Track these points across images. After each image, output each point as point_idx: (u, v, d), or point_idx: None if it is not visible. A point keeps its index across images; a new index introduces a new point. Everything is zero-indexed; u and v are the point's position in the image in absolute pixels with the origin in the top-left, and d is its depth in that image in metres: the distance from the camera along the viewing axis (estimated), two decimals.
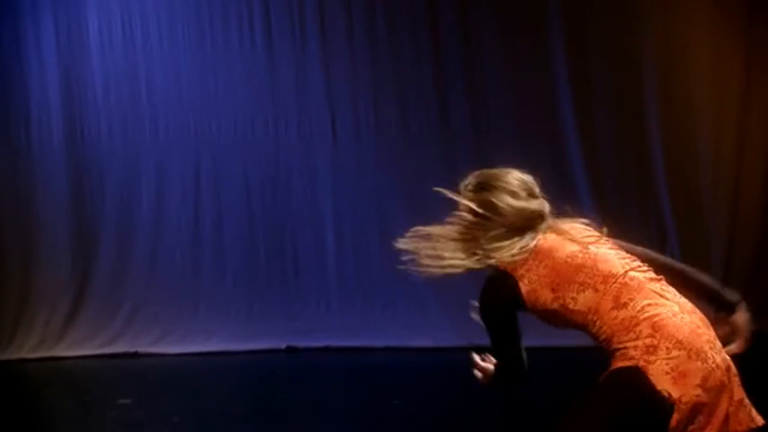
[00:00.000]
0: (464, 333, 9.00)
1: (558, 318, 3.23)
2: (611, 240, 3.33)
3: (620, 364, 3.06)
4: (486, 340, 9.24)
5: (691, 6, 9.22)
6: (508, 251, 3.34)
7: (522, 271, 3.27)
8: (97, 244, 9.58)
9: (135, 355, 9.30)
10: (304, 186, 9.59)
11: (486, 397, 7.13)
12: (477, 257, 3.50)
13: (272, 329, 9.29)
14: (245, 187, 9.60)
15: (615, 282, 3.15)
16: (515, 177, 3.51)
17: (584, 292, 3.17)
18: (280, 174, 9.60)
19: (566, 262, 3.22)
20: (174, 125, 9.60)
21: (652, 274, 3.21)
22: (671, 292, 3.17)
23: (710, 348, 3.06)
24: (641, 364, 3.01)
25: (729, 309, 3.26)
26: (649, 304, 3.10)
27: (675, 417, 2.98)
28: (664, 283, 3.20)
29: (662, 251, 8.19)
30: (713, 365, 3.03)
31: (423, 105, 9.46)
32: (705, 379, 3.01)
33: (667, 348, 3.02)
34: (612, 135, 9.17)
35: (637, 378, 3.00)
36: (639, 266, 3.22)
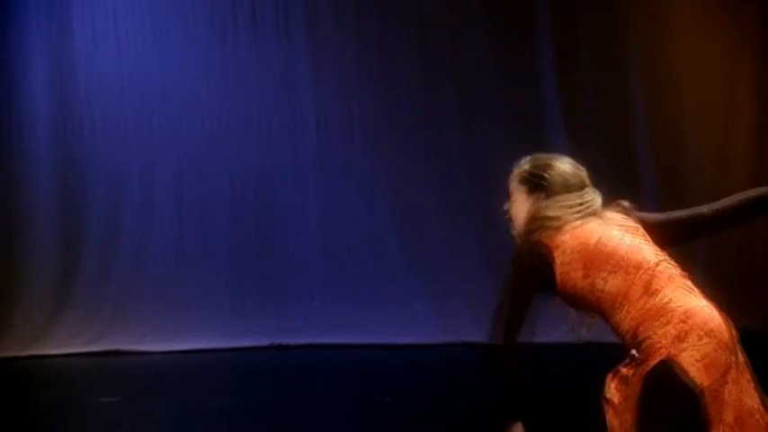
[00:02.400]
0: (451, 330, 9.03)
1: (583, 299, 3.24)
2: (645, 233, 3.34)
3: (652, 361, 3.06)
4: (473, 337, 9.25)
5: (676, 7, 9.25)
6: (568, 210, 3.31)
7: (557, 243, 3.26)
8: (82, 242, 9.55)
9: (120, 353, 9.26)
10: (290, 183, 9.57)
11: (473, 394, 7.14)
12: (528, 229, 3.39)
13: (258, 327, 9.27)
14: (230, 184, 9.57)
15: (647, 270, 3.18)
16: (568, 162, 3.46)
17: (615, 275, 3.19)
18: (265, 170, 9.58)
19: (600, 244, 3.23)
20: (159, 122, 9.57)
21: (681, 271, 3.25)
22: (696, 290, 3.21)
23: (735, 345, 3.12)
24: (671, 353, 3.04)
25: None
26: (679, 296, 3.14)
27: (704, 404, 3.02)
28: (689, 281, 3.24)
29: None
30: (737, 362, 3.10)
31: (409, 101, 9.46)
32: (727, 373, 3.07)
33: (698, 336, 3.06)
34: (600, 134, 9.18)
35: (672, 375, 3.03)
36: (670, 261, 3.26)
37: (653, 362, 3.06)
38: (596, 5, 9.24)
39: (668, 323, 3.08)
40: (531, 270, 3.28)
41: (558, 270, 3.24)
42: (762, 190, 3.35)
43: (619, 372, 3.17)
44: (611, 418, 3.15)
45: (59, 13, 9.47)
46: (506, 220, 3.54)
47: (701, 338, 3.06)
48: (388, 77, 9.46)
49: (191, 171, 9.59)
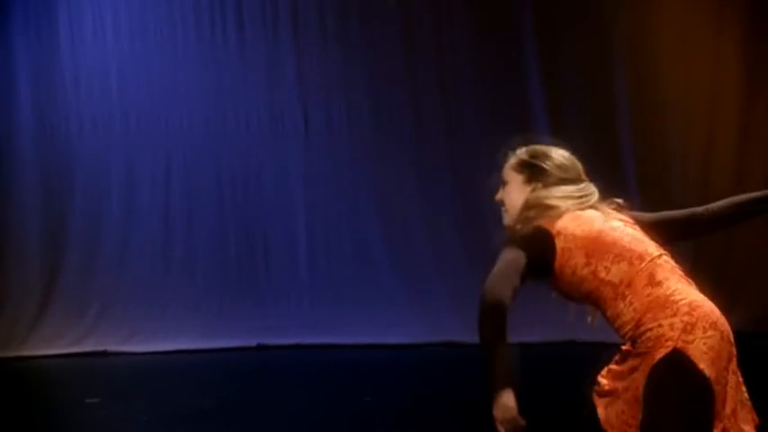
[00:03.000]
0: (435, 330, 9.03)
1: (581, 287, 3.22)
2: (641, 227, 3.35)
3: (658, 353, 3.05)
4: (457, 337, 9.23)
5: (660, 7, 9.28)
6: (567, 200, 3.28)
7: (558, 229, 3.22)
8: (66, 242, 9.51)
9: (104, 353, 9.23)
10: (275, 182, 9.56)
11: (458, 393, 7.14)
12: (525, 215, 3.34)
13: (242, 327, 9.26)
14: (215, 183, 9.55)
15: (650, 261, 3.18)
16: (565, 152, 3.46)
17: (618, 263, 3.17)
18: (251, 170, 9.57)
19: (602, 232, 3.22)
20: (144, 121, 9.54)
21: (677, 265, 3.26)
22: (693, 284, 3.23)
23: (731, 337, 3.15)
24: (679, 345, 3.04)
25: None
26: (682, 288, 3.15)
27: (711, 396, 3.04)
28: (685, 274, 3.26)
29: None
30: (734, 354, 3.13)
31: (394, 100, 9.46)
32: (728, 365, 3.10)
33: (704, 328, 3.08)
34: (584, 134, 9.18)
35: (682, 366, 3.03)
36: (669, 255, 3.26)
37: (660, 353, 3.05)
38: (580, 5, 9.25)
39: (675, 314, 3.08)
40: (529, 248, 3.20)
41: (559, 254, 3.21)
42: (756, 194, 3.37)
43: (612, 367, 3.17)
44: (603, 408, 3.14)
45: (44, 13, 9.44)
46: (499, 207, 3.48)
47: (706, 331, 3.07)
48: (373, 78, 9.46)
49: (176, 171, 9.56)
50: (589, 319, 3.38)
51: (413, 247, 9.42)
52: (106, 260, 9.51)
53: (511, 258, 3.20)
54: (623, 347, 3.19)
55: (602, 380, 3.19)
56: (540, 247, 3.22)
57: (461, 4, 9.38)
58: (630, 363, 3.12)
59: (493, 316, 3.23)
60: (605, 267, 3.18)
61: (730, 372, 3.09)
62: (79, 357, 9.15)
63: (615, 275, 3.17)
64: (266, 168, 9.57)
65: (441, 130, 9.45)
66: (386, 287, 9.29)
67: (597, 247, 3.19)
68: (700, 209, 3.45)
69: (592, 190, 3.35)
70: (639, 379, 3.07)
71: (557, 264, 3.21)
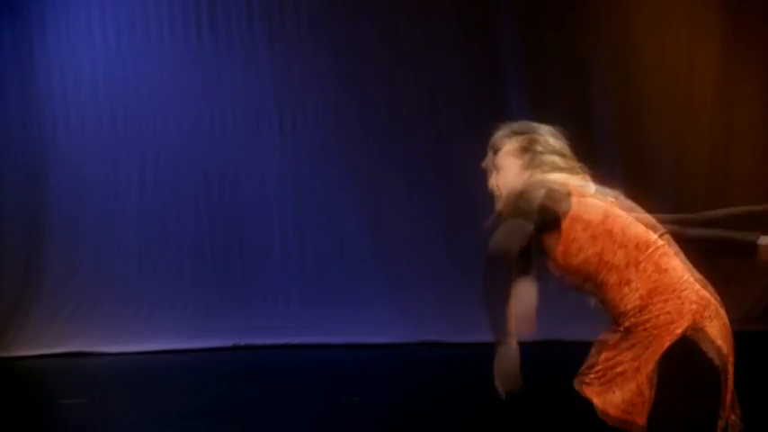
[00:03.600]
0: (418, 329, 9.02)
1: (584, 269, 3.16)
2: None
3: (667, 340, 3.04)
4: (441, 337, 9.19)
5: (640, 6, 9.31)
6: (565, 183, 3.20)
7: (570, 205, 3.15)
8: (46, 242, 9.48)
9: (84, 354, 9.19)
10: (254, 182, 9.54)
11: (442, 392, 7.13)
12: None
13: (224, 327, 9.24)
14: (193, 183, 9.53)
15: (656, 248, 3.15)
16: (558, 140, 3.40)
17: (625, 248, 3.14)
18: (231, 170, 9.54)
19: (609, 218, 3.17)
20: (120, 122, 9.52)
21: (679, 249, 3.23)
22: (694, 269, 3.21)
23: (730, 327, 3.16)
24: (689, 333, 3.04)
25: (751, 251, 3.30)
26: (686, 274, 3.14)
27: (720, 380, 3.06)
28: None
29: None
30: (733, 344, 3.14)
31: (374, 101, 9.45)
32: (729, 355, 3.11)
33: (710, 317, 3.09)
34: (565, 134, 9.20)
35: (693, 354, 3.04)
36: (669, 239, 3.23)
37: (669, 340, 3.04)
38: (561, 5, 9.26)
39: (682, 302, 3.08)
40: (540, 210, 3.10)
41: (575, 209, 3.13)
42: (751, 208, 3.42)
43: (607, 355, 3.12)
44: (597, 396, 3.10)
45: (28, 13, 9.39)
46: (492, 191, 3.37)
47: (712, 320, 3.09)
48: (349, 77, 9.45)
49: (153, 172, 9.54)
50: (591, 302, 3.29)
51: (395, 247, 9.41)
52: (86, 260, 9.47)
53: (516, 224, 3.09)
54: (615, 334, 3.14)
55: (593, 370, 3.14)
56: (559, 199, 3.13)
57: (441, 3, 9.37)
58: (635, 351, 3.08)
59: (497, 267, 3.06)
60: (612, 251, 3.14)
61: (729, 362, 3.10)
62: (59, 358, 9.10)
63: (621, 260, 3.13)
64: (245, 167, 9.54)
65: (420, 129, 9.44)
66: (368, 287, 9.28)
67: (604, 230, 3.15)
68: (692, 215, 3.48)
69: (587, 177, 3.30)
70: (648, 365, 3.05)
71: (563, 236, 3.13)
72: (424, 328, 8.91)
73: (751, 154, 9.24)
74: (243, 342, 9.22)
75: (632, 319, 3.09)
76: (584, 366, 3.20)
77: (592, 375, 3.14)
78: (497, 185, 3.34)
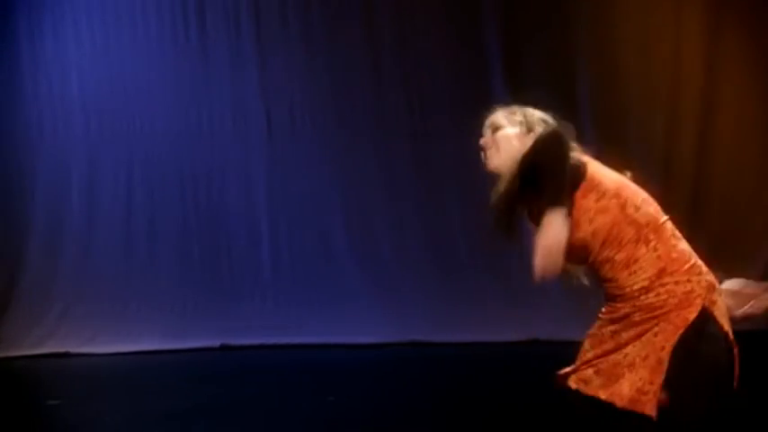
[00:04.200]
0: (401, 329, 9.03)
1: (600, 220, 3.02)
2: None
3: (689, 312, 2.96)
4: (423, 336, 9.21)
5: (621, 6, 9.34)
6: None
7: (590, 166, 3.10)
8: (28, 243, 9.45)
9: (66, 355, 9.16)
10: (239, 183, 9.53)
11: (424, 392, 7.14)
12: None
13: (206, 327, 9.22)
14: (178, 183, 9.51)
15: (664, 228, 3.08)
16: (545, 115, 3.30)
17: (648, 206, 3.07)
18: (214, 170, 9.53)
19: (622, 188, 3.10)
20: (106, 121, 9.50)
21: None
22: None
23: None
24: (707, 304, 2.98)
25: None
26: (693, 256, 3.08)
27: (732, 356, 3.01)
28: None
29: None
30: None
31: (358, 101, 9.45)
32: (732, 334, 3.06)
33: (719, 292, 3.05)
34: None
35: (714, 327, 2.97)
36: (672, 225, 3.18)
37: (691, 312, 2.95)
38: (545, 6, 9.28)
39: (699, 272, 3.02)
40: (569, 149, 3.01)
41: (579, 193, 3.03)
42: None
43: (605, 347, 3.03)
44: (604, 390, 3.00)
45: (14, 11, 9.37)
46: (492, 170, 3.24)
47: (720, 294, 3.05)
48: (336, 78, 9.45)
49: (138, 172, 9.53)
50: (584, 281, 3.20)
51: (378, 247, 9.42)
52: (68, 261, 9.45)
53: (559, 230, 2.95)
54: (611, 326, 3.03)
55: (591, 365, 3.06)
56: (575, 165, 3.04)
57: (426, 3, 9.38)
58: (643, 339, 2.97)
59: (558, 137, 3.02)
60: (635, 205, 3.06)
61: (735, 347, 3.06)
62: (41, 359, 9.07)
63: (643, 216, 3.04)
64: (230, 168, 9.53)
65: (405, 130, 9.44)
66: (351, 287, 9.28)
67: (618, 204, 3.06)
68: None
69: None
70: (659, 351, 2.96)
71: (576, 204, 3.02)
72: (407, 327, 8.92)
73: (738, 143, 9.22)
74: (224, 342, 9.21)
75: (636, 302, 3.00)
76: (578, 363, 3.10)
77: (590, 371, 3.05)
78: (497, 165, 3.22)
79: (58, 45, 9.44)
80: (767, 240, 9.09)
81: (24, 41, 9.41)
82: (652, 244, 3.03)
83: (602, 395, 3.00)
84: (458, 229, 9.27)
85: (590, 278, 3.19)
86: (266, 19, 9.47)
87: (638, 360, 2.98)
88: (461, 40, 9.34)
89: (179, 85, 9.49)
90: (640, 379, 2.97)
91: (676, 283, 2.99)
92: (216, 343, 9.21)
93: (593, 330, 3.12)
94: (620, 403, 2.98)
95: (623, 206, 3.05)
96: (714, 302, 3.00)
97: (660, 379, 2.96)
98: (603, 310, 3.12)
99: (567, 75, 9.24)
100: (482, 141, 3.28)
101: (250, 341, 9.15)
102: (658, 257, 3.01)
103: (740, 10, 9.17)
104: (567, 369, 3.13)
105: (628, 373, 2.98)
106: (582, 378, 3.07)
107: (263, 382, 7.98)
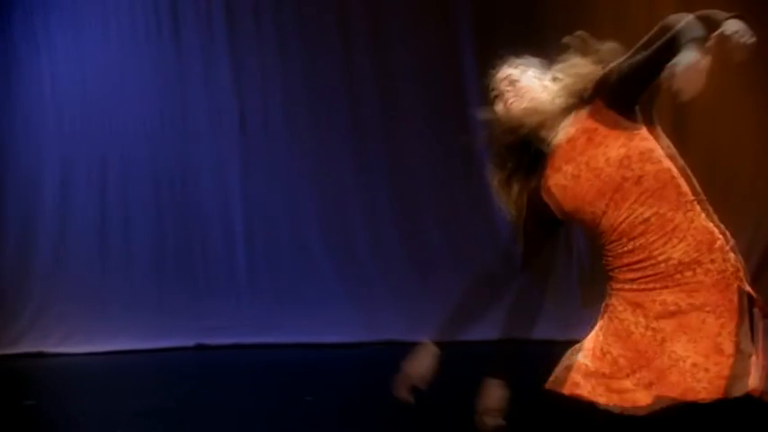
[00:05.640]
0: (376, 329, 9.05)
1: (648, 162, 2.83)
2: None
3: (730, 307, 2.75)
4: (398, 336, 9.15)
5: (596, 3, 9.38)
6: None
7: None
8: (3, 242, 9.41)
9: (40, 354, 9.13)
10: (213, 182, 9.52)
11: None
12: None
13: (181, 327, 9.21)
14: (152, 182, 9.50)
15: (699, 201, 2.91)
16: None
17: (678, 190, 2.85)
18: (188, 168, 9.52)
19: (670, 152, 2.93)
20: (79, 119, 9.47)
21: None
22: None
23: None
24: (744, 296, 2.81)
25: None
26: (723, 234, 2.92)
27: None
28: None
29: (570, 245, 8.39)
30: None
31: (332, 100, 9.47)
32: None
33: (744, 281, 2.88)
34: None
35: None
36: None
37: (732, 303, 2.77)
38: (518, 6, 9.31)
39: (728, 261, 2.84)
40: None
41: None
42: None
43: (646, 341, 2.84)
44: (644, 393, 2.82)
45: None
46: (506, 113, 3.25)
47: (747, 284, 2.90)
48: (309, 76, 9.46)
49: (112, 171, 9.50)
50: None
51: (353, 246, 9.43)
52: (41, 260, 9.41)
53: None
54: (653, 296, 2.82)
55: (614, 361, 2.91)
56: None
57: (400, 3, 9.40)
58: (700, 297, 2.77)
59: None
60: (682, 165, 2.88)
61: None
62: (15, 359, 9.04)
63: (673, 202, 2.82)
64: (204, 167, 9.53)
65: (379, 128, 9.46)
66: (326, 286, 9.29)
67: (665, 167, 2.88)
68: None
69: None
70: (720, 319, 2.76)
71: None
72: (381, 327, 8.94)
73: (727, 132, 9.25)
74: (199, 342, 9.21)
75: (687, 248, 2.78)
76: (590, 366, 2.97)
77: (614, 374, 2.90)
78: (521, 105, 3.20)
79: (30, 45, 9.40)
80: (763, 227, 9.13)
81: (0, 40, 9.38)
82: (698, 208, 2.88)
83: (641, 399, 2.83)
84: (433, 228, 9.30)
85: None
86: (240, 19, 9.47)
87: (676, 352, 2.82)
88: (435, 41, 9.37)
89: (153, 85, 9.47)
90: (695, 365, 2.78)
91: (712, 261, 2.82)
92: (191, 342, 9.21)
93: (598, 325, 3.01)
94: (670, 394, 2.78)
95: (675, 157, 2.93)
96: (745, 283, 2.88)
97: (725, 358, 2.75)
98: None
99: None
100: (495, 85, 3.31)
101: (225, 341, 9.15)
102: (696, 230, 2.84)
103: (708, 5, 9.21)
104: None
105: (673, 367, 2.81)
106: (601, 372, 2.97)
107: (239, 381, 7.98)
